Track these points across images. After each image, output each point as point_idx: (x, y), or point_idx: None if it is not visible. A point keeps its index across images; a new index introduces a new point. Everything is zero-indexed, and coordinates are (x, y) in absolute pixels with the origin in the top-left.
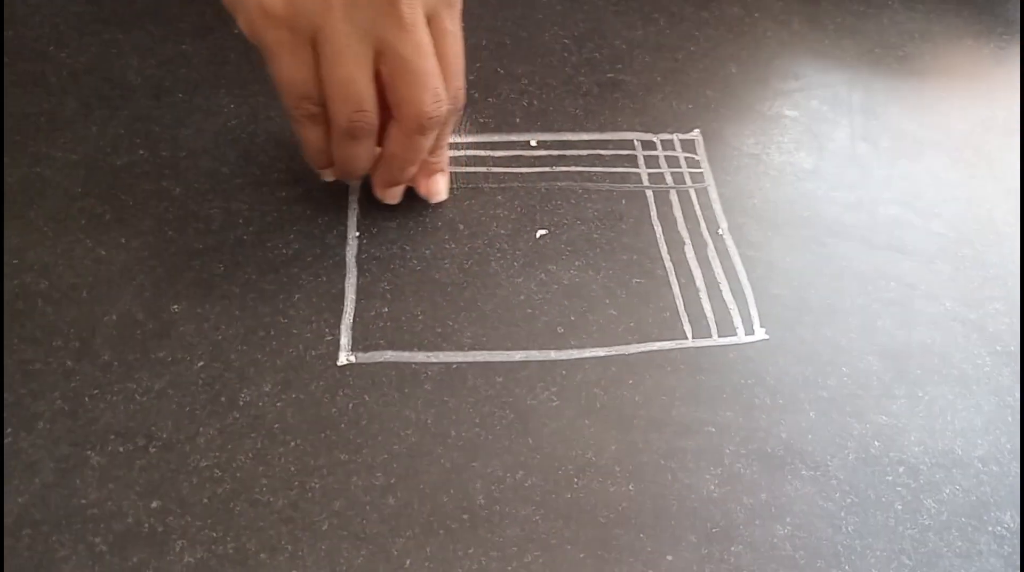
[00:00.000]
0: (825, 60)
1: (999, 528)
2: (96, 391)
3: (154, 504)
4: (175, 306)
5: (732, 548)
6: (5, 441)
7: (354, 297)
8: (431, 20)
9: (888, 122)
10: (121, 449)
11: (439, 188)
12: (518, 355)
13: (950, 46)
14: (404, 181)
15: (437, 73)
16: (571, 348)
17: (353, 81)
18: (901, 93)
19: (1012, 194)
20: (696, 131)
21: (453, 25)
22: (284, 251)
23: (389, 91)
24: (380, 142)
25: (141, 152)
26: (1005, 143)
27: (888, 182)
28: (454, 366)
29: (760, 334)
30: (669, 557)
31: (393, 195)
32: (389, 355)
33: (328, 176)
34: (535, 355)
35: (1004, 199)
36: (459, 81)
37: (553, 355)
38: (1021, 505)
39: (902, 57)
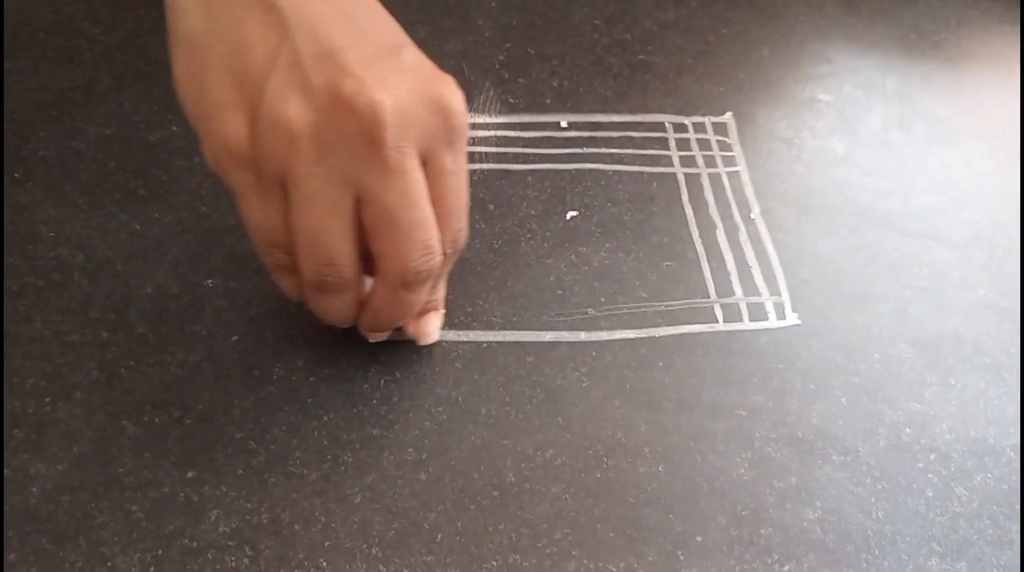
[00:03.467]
0: (859, 44)
1: None
2: (132, 362)
3: (189, 474)
4: (209, 281)
5: (762, 531)
6: (43, 410)
7: None
8: (427, 161)
9: (922, 109)
10: (157, 420)
11: (429, 330)
12: (548, 336)
13: (985, 33)
14: (392, 328)
15: (428, 223)
16: (601, 330)
17: (322, 232)
18: (935, 80)
19: None
20: (728, 114)
21: (455, 163)
22: None
23: (371, 242)
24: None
25: (174, 128)
26: None
27: (922, 169)
28: (484, 345)
29: (792, 319)
30: (699, 538)
31: (378, 336)
32: None
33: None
34: (565, 336)
35: None
36: (460, 222)
37: (583, 336)
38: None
39: (937, 43)
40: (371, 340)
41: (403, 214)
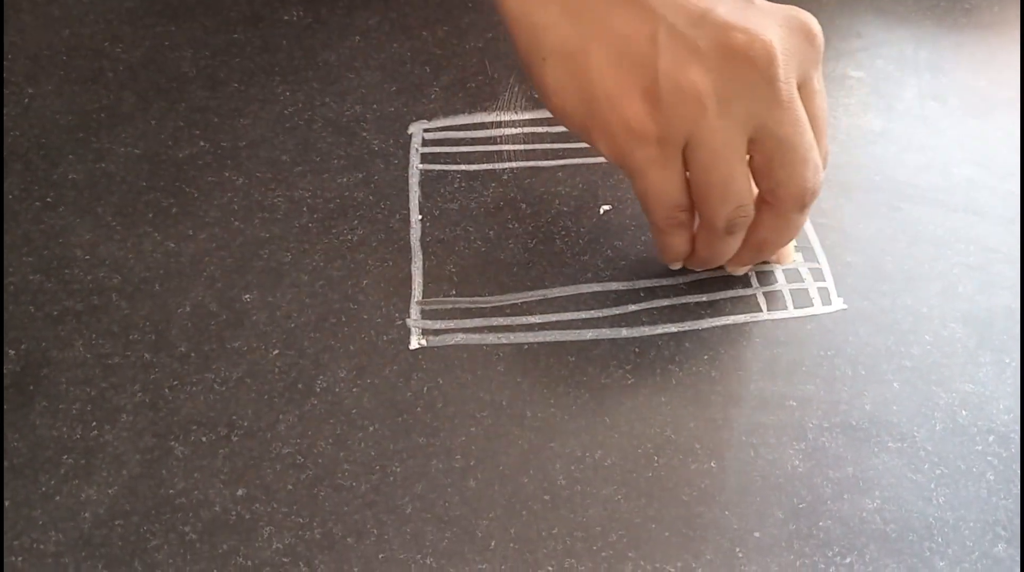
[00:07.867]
0: (888, 17)
1: None
2: (175, 382)
3: (240, 492)
4: (247, 296)
5: (820, 523)
6: (91, 434)
7: (421, 281)
8: (802, 86)
9: (956, 79)
10: (204, 439)
11: (789, 251)
12: (589, 334)
13: None
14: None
15: (815, 145)
16: (643, 325)
17: (732, 179)
18: (968, 49)
19: None
20: None
21: (820, 83)
22: (349, 237)
23: (764, 175)
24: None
25: (202, 144)
26: None
27: (960, 142)
28: (525, 347)
29: (838, 304)
30: (756, 534)
31: (743, 269)
32: (460, 338)
33: (677, 266)
34: (606, 333)
35: None
36: (825, 140)
37: (624, 333)
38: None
39: (968, 10)
40: (737, 274)
41: (799, 140)
